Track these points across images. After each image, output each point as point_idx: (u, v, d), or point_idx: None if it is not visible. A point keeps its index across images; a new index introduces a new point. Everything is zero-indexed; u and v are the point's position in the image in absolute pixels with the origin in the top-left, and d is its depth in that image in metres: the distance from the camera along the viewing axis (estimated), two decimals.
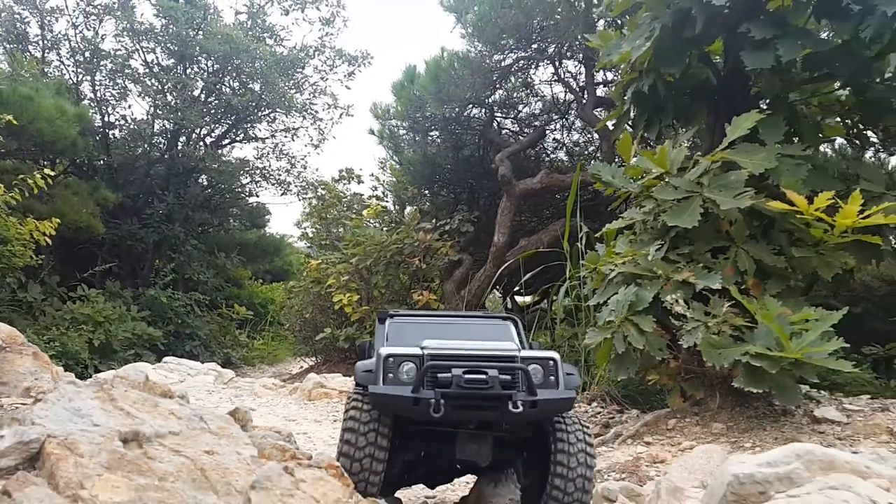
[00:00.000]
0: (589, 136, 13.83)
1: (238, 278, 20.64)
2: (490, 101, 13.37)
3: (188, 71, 16.93)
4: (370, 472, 2.52)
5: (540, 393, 2.58)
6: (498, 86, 12.96)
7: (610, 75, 12.18)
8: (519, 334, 3.39)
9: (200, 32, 16.05)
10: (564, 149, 14.53)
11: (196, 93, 16.87)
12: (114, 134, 16.96)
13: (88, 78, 16.23)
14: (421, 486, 4.07)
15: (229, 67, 16.73)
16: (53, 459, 1.88)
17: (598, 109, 12.08)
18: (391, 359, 2.63)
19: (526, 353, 2.77)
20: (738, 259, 5.49)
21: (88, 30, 16.06)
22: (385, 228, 14.85)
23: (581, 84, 12.74)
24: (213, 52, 15.96)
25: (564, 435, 2.68)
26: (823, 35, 6.51)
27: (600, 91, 12.29)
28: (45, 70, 15.49)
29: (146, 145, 17.24)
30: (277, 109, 17.81)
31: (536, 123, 13.95)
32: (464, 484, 4.30)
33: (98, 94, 16.42)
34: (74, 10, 15.85)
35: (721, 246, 5.66)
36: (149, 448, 2.10)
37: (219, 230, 19.81)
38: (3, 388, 2.85)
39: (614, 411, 7.01)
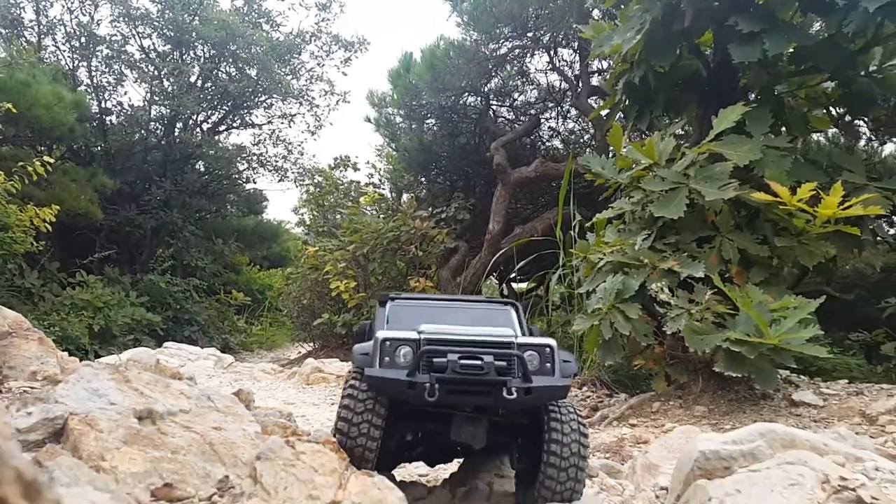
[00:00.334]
0: (584, 124, 13.95)
1: (236, 264, 20.77)
2: (486, 89, 13.46)
3: (185, 57, 16.93)
4: (365, 448, 2.57)
5: (535, 380, 2.58)
6: (493, 74, 13.04)
7: (605, 64, 12.27)
8: (519, 320, 3.40)
9: (197, 18, 16.04)
10: (559, 137, 14.65)
11: (192, 79, 16.89)
12: (110, 120, 16.99)
13: (84, 64, 16.24)
14: (415, 465, 4.28)
15: (226, 53, 16.73)
16: (76, 434, 2.06)
17: (593, 98, 12.19)
18: (388, 342, 2.64)
19: (522, 339, 2.77)
20: (722, 248, 5.67)
21: (84, 15, 16.05)
22: (382, 216, 14.99)
23: (576, 73, 12.83)
24: (209, 37, 15.97)
25: (558, 424, 2.68)
26: (815, 27, 6.65)
27: (595, 80, 12.39)
28: (41, 56, 15.47)
29: (143, 131, 17.29)
30: (274, 95, 17.85)
31: (532, 112, 14.06)
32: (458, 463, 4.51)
33: (94, 80, 16.43)
34: None
35: (707, 235, 5.83)
36: (162, 424, 2.28)
37: (216, 216, 19.91)
38: (11, 371, 3.01)
39: (603, 395, 7.23)
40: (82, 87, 16.03)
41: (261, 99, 17.85)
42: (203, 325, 16.29)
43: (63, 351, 3.58)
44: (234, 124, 18.95)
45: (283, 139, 19.15)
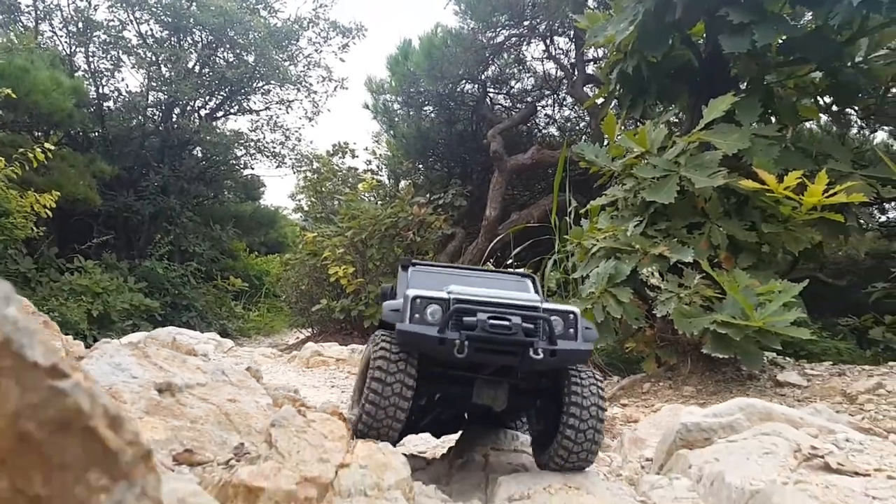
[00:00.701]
0: (579, 112, 14.07)
1: (233, 250, 20.85)
2: (483, 77, 13.56)
3: (182, 43, 16.91)
4: (396, 408, 2.57)
5: (560, 343, 2.63)
6: (490, 62, 13.13)
7: (600, 52, 12.36)
8: (537, 291, 3.44)
9: (194, 4, 16.02)
10: (555, 124, 14.77)
11: (190, 65, 16.89)
12: (108, 106, 16.99)
13: (81, 49, 16.20)
14: (414, 444, 4.47)
15: (223, 39, 16.72)
16: None
17: (588, 86, 12.30)
18: (418, 300, 2.66)
19: (548, 305, 2.80)
20: (711, 234, 5.85)
21: (81, 0, 15.99)
22: (380, 202, 15.12)
23: (571, 61, 12.93)
24: (207, 23, 15.95)
25: (579, 388, 2.72)
26: (807, 18, 6.78)
27: (590, 69, 12.49)
28: (39, 41, 15.45)
29: (141, 117, 17.30)
30: (272, 82, 17.86)
31: (528, 99, 14.17)
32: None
33: (91, 66, 16.42)
34: None
35: (696, 222, 6.01)
36: (180, 397, 2.45)
37: (214, 202, 19.97)
38: None
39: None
40: (79, 73, 16.02)
41: (258, 85, 17.87)
42: (201, 311, 16.42)
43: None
44: (232, 110, 18.97)
45: (280, 125, 19.19)
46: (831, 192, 5.42)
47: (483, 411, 3.08)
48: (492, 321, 2.57)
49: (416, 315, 2.64)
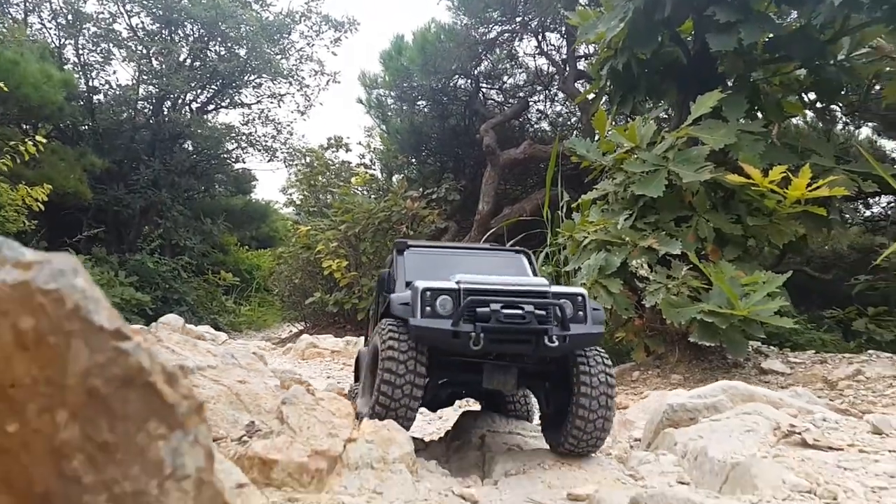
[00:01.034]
0: (571, 107, 14.21)
1: (224, 244, 20.78)
2: (476, 72, 13.67)
3: (173, 36, 16.86)
4: (410, 397, 2.60)
5: (571, 328, 2.66)
6: (483, 57, 13.25)
7: (591, 48, 12.50)
8: (531, 266, 3.46)
9: None
10: (547, 119, 14.93)
11: (181, 58, 16.84)
12: (98, 99, 16.92)
13: (71, 42, 16.12)
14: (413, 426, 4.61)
15: (215, 33, 16.68)
16: None
17: (580, 82, 12.45)
18: (429, 293, 2.65)
19: (556, 288, 2.81)
20: (699, 227, 6.02)
21: None
22: (373, 196, 15.20)
23: (563, 57, 13.07)
24: (198, 16, 15.91)
25: (587, 378, 2.75)
26: (793, 17, 6.95)
27: (581, 64, 12.64)
28: (28, 33, 15.33)
29: (131, 111, 17.23)
30: (263, 75, 17.85)
31: (520, 95, 14.30)
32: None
33: (81, 59, 16.33)
34: None
35: (684, 215, 6.18)
36: (192, 378, 2.57)
37: (205, 196, 19.93)
38: None
39: None
40: (69, 66, 15.93)
41: (250, 78, 17.86)
42: (192, 305, 16.38)
43: None
44: (224, 104, 18.94)
45: (272, 119, 19.18)
46: (814, 186, 5.59)
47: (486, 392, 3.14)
48: (505, 311, 2.58)
49: (428, 308, 2.63)
